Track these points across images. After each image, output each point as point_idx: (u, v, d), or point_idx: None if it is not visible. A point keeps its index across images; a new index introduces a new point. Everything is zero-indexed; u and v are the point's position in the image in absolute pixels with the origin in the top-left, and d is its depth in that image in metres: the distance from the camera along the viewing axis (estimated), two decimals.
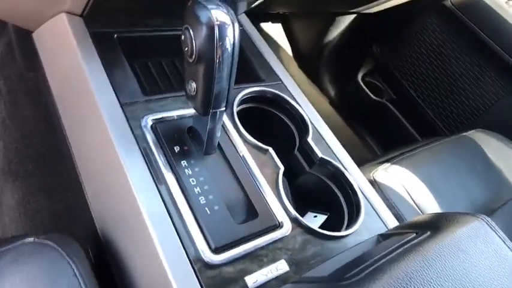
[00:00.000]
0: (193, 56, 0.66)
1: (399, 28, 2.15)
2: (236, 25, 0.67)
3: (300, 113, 0.97)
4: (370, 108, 2.25)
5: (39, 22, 0.98)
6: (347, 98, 2.42)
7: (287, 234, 0.75)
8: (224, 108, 0.71)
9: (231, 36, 0.66)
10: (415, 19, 2.07)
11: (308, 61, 2.45)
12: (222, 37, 0.65)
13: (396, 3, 1.89)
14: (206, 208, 0.72)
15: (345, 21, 2.27)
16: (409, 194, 1.23)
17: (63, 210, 1.20)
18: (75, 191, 0.93)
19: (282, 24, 2.46)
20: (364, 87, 2.26)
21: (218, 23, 0.64)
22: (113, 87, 0.83)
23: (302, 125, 0.96)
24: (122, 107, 0.80)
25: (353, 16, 2.22)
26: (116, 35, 0.93)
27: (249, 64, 1.05)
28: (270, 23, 2.45)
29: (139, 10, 0.96)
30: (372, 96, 2.23)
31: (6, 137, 1.25)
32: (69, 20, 0.92)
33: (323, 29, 2.28)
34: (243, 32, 1.11)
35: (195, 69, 0.68)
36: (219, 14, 0.65)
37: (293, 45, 2.49)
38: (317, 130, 0.99)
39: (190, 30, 0.65)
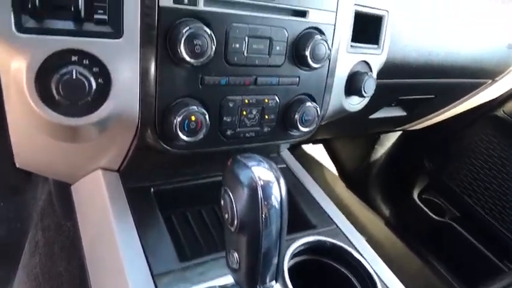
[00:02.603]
0: (235, 224, 0.55)
1: (449, 141, 2.03)
2: (282, 182, 0.57)
3: (363, 265, 0.81)
4: (433, 229, 2.01)
5: (77, 178, 0.95)
6: (404, 218, 2.20)
7: None
8: (274, 284, 0.58)
9: (278, 195, 0.56)
10: (465, 131, 1.94)
11: (356, 180, 2.32)
12: (267, 198, 0.55)
13: (441, 119, 1.80)
14: None
15: (389, 138, 2.19)
16: None
17: None
18: None
19: (324, 145, 2.41)
20: (422, 206, 2.06)
21: (262, 182, 0.55)
22: (144, 253, 0.73)
23: (368, 282, 0.79)
24: (153, 278, 0.69)
25: (398, 133, 2.14)
26: (152, 189, 0.87)
27: (296, 209, 0.93)
28: (310, 144, 2.41)
29: (178, 162, 0.91)
30: (433, 215, 2.01)
31: None
32: (105, 175, 0.88)
33: (368, 147, 2.20)
34: (286, 172, 1.02)
35: (237, 239, 0.57)
36: (262, 172, 0.56)
37: (338, 165, 2.40)
38: (385, 284, 0.81)
39: (230, 194, 0.56)
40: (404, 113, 1.63)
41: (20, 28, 0.58)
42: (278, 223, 0.56)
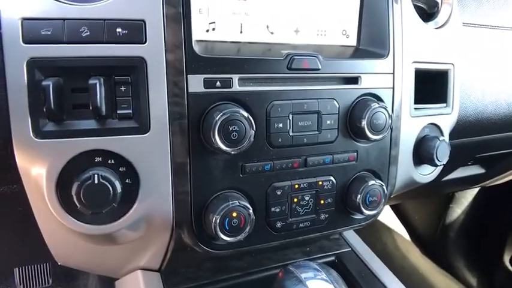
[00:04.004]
0: None
1: None
2: None
3: None
4: None
5: (120, 274, 0.87)
6: (495, 286, 1.89)
7: None
8: None
9: None
10: None
11: (432, 245, 2.06)
12: None
13: None
14: None
15: (467, 195, 1.94)
16: None
17: None
18: None
19: (392, 208, 2.19)
20: None
21: None
22: None
23: None
24: None
25: (476, 189, 1.89)
26: None
27: None
28: None
29: (223, 258, 0.80)
30: None
31: None
32: (145, 276, 0.79)
33: (443, 207, 1.96)
34: (351, 256, 0.87)
35: None
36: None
37: (409, 229, 2.15)
38: None
39: None
40: (483, 170, 1.42)
41: (38, 133, 0.53)
42: None
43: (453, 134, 0.91)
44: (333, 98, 0.69)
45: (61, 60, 0.53)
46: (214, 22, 0.66)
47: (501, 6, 0.98)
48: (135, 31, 0.55)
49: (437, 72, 0.84)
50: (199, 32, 0.65)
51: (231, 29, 0.67)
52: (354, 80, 0.71)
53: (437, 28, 0.83)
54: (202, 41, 0.65)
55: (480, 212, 1.98)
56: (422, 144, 0.82)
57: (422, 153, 0.82)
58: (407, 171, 0.82)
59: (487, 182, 1.61)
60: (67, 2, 0.54)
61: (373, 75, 0.72)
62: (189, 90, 0.58)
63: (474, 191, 1.93)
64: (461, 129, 0.94)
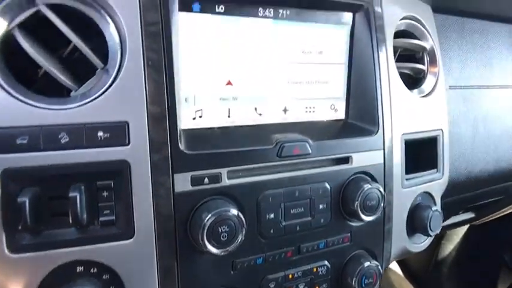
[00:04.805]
0: None
1: None
2: None
3: None
4: None
5: None
6: None
7: None
8: None
9: None
10: None
11: (427, 281, 2.04)
12: None
13: None
14: None
15: (458, 232, 1.93)
16: None
17: None
18: None
19: None
20: None
21: None
22: None
23: None
24: None
25: (466, 226, 1.89)
26: None
27: None
28: None
29: None
30: None
31: None
32: None
33: (434, 244, 1.95)
34: None
35: None
36: None
37: (402, 265, 2.13)
38: None
39: None
40: (473, 215, 1.42)
41: (14, 248, 0.49)
42: None
43: (444, 194, 0.90)
44: (324, 181, 0.67)
45: (38, 170, 0.50)
46: (201, 109, 0.64)
47: (484, 66, 0.98)
48: (118, 133, 0.53)
49: (427, 139, 0.83)
50: (185, 121, 0.62)
51: (218, 115, 0.65)
52: (345, 160, 0.69)
53: (423, 96, 0.82)
54: (188, 129, 0.63)
55: (471, 247, 1.97)
56: (415, 214, 0.80)
57: (415, 223, 0.80)
58: (401, 242, 0.80)
59: (477, 222, 1.61)
60: (44, 106, 0.51)
61: (363, 152, 0.70)
62: (176, 190, 0.56)
63: (464, 228, 1.93)
64: (452, 188, 0.93)
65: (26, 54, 0.51)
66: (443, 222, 1.20)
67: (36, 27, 0.54)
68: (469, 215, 1.38)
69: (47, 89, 0.54)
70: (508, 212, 1.59)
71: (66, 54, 0.57)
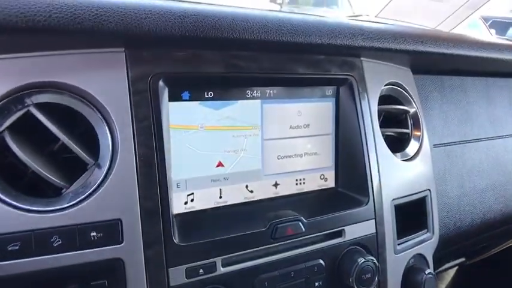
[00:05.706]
0: None
1: None
2: None
3: None
4: None
5: None
6: None
7: None
8: None
9: None
10: None
11: None
12: None
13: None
14: None
15: (448, 272, 1.93)
16: None
17: None
18: None
19: None
20: None
21: None
22: None
23: None
24: None
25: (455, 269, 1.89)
26: None
27: None
28: None
29: None
30: None
31: None
32: None
33: None
34: None
35: None
36: None
37: None
38: None
39: None
40: (463, 259, 1.43)
41: None
42: None
43: (436, 249, 0.90)
44: (319, 258, 0.67)
45: (31, 275, 0.49)
46: (192, 193, 0.64)
47: (465, 121, 1.01)
48: (111, 232, 0.52)
49: (415, 201, 0.84)
50: (177, 206, 0.62)
51: (210, 196, 0.65)
52: (338, 234, 0.69)
53: (408, 160, 0.84)
54: (181, 214, 0.63)
55: (463, 286, 1.97)
56: (408, 278, 0.80)
57: (408, 285, 0.80)
58: None
59: (467, 262, 1.61)
60: (35, 208, 0.50)
61: (356, 224, 0.71)
62: (171, 284, 0.55)
63: (453, 270, 1.93)
64: (443, 244, 0.94)
65: (14, 153, 0.51)
66: (435, 270, 1.20)
67: (25, 124, 0.54)
68: (459, 260, 1.38)
69: (38, 185, 0.53)
70: (497, 251, 1.61)
71: (56, 149, 0.57)
